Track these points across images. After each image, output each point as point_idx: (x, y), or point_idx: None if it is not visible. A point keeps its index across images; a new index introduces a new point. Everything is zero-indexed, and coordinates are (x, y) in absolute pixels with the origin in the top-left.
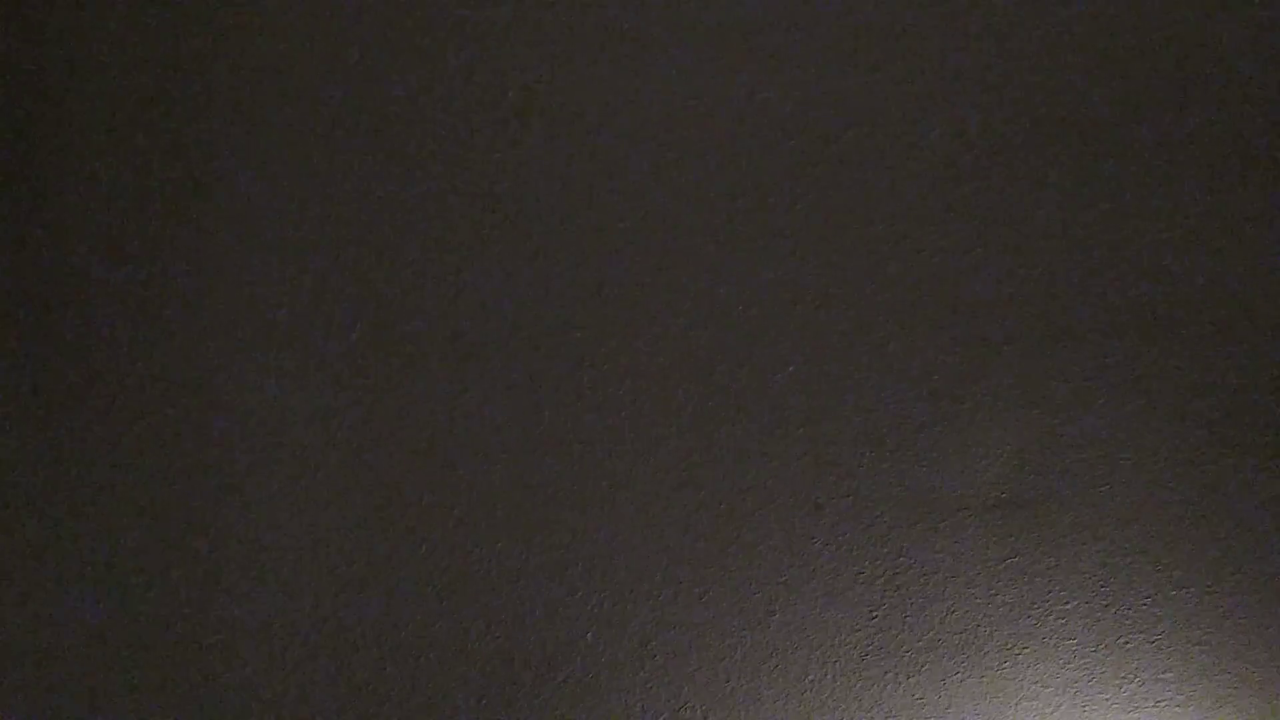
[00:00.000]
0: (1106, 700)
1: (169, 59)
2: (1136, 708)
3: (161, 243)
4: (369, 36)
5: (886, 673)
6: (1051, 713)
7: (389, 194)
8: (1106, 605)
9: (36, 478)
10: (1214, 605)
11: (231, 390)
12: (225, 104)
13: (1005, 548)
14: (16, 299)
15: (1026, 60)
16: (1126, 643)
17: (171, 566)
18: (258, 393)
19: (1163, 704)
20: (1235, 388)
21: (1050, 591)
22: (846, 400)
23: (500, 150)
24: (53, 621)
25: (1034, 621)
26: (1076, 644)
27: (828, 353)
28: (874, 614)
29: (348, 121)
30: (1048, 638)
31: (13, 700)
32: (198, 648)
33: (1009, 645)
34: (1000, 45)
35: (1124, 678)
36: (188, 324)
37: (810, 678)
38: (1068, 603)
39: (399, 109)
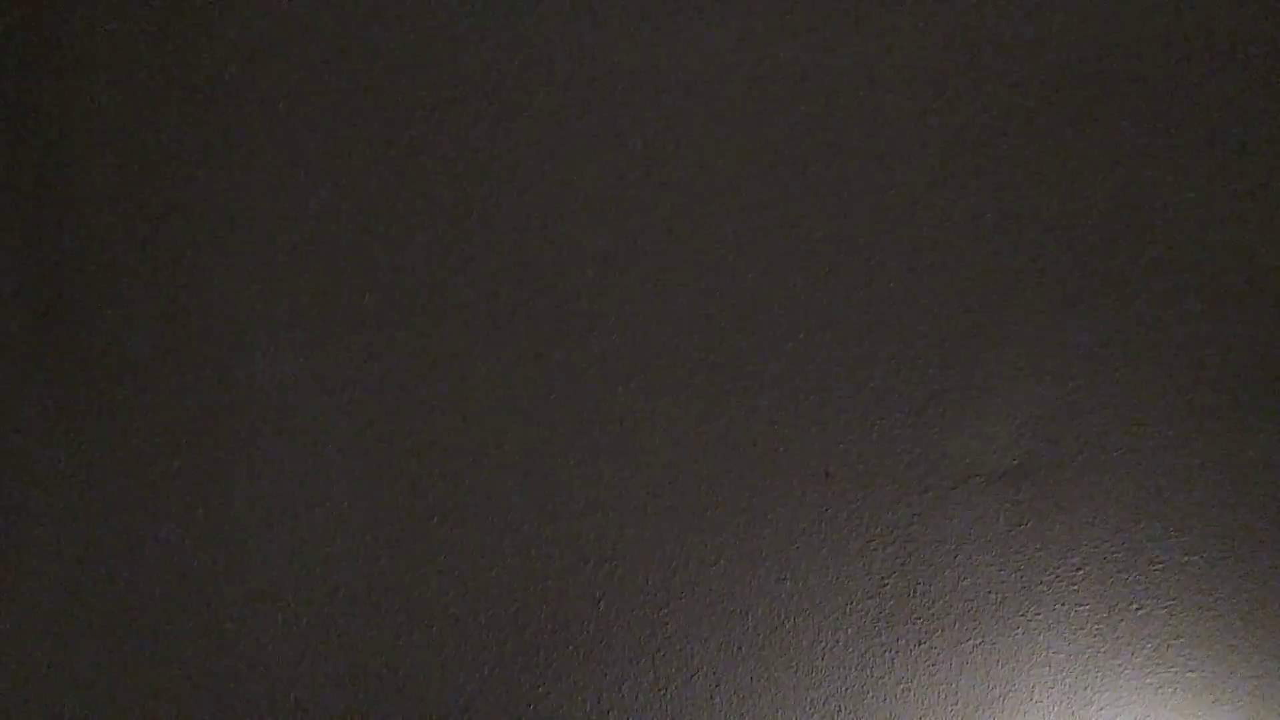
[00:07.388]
0: (1119, 666)
1: (180, 44)
2: (1149, 674)
3: (174, 221)
4: (374, 21)
5: (898, 639)
6: (1064, 679)
7: (399, 171)
8: (1118, 571)
9: (51, 456)
10: (1227, 571)
11: (245, 365)
12: (237, 87)
13: (1017, 514)
14: (29, 278)
15: (1036, 25)
16: (1139, 609)
17: (184, 540)
18: (271, 367)
19: (1175, 670)
20: (1247, 352)
21: (1062, 557)
22: (857, 367)
23: (508, 125)
24: (68, 593)
25: (1045, 588)
26: (1088, 610)
27: (838, 320)
28: (885, 581)
29: (358, 102)
30: (1060, 604)
31: (25, 675)
32: (211, 619)
33: (1021, 612)
34: (1011, 10)
35: (1136, 644)
36: (201, 301)
37: (821, 645)
38: (1079, 569)
39: (407, 89)
